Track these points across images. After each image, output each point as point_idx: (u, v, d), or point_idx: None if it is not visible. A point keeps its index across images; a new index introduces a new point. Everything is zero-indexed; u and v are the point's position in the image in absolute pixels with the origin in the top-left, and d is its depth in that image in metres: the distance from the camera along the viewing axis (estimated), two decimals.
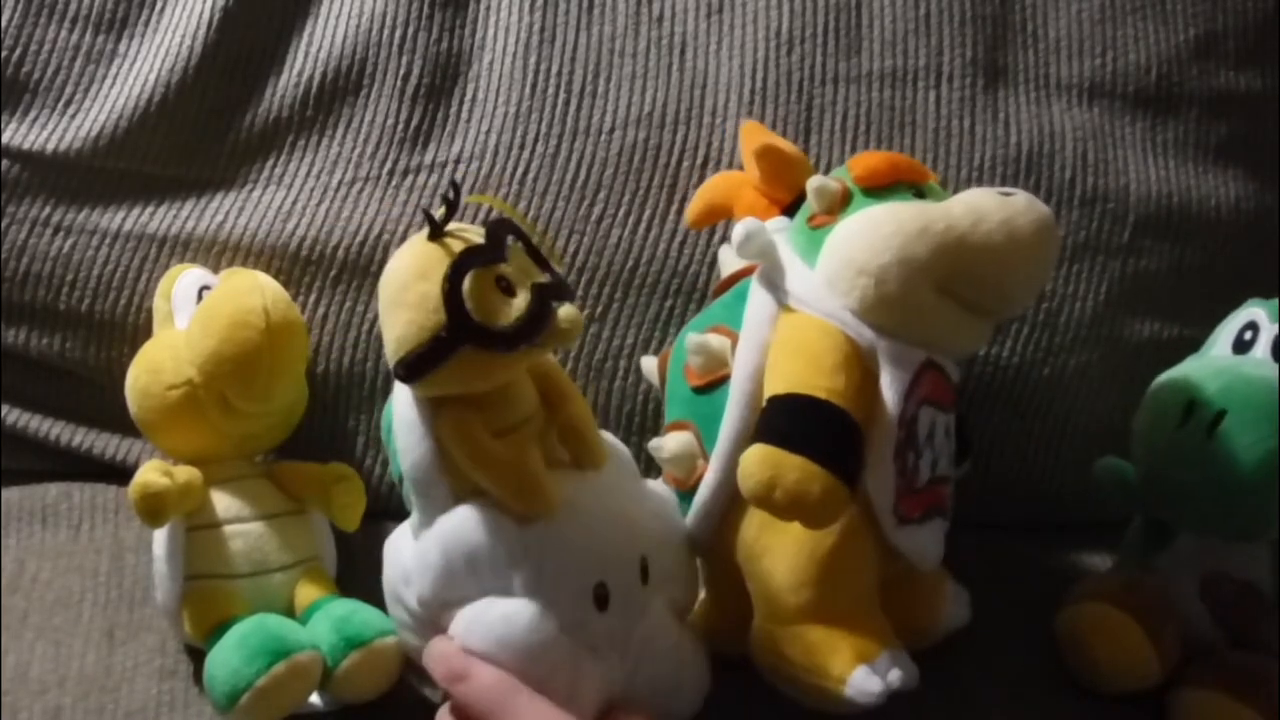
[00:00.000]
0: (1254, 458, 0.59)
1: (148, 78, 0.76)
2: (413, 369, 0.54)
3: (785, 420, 0.56)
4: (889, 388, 0.58)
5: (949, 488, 0.62)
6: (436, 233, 0.55)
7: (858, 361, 0.58)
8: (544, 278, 0.55)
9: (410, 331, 0.54)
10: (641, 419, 0.73)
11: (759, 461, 0.54)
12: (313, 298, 0.74)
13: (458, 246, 0.54)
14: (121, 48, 0.77)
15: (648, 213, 0.75)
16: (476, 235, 0.55)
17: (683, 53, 0.77)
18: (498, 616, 0.54)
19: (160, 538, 0.64)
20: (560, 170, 0.75)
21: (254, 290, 0.65)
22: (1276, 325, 0.65)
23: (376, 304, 0.73)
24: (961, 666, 0.63)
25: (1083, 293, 0.75)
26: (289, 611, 0.64)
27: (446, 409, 0.56)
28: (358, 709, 0.62)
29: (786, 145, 0.69)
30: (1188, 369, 0.64)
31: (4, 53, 0.76)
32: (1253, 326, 0.66)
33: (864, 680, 0.55)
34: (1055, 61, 0.79)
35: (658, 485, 0.63)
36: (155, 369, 0.67)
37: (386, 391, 0.74)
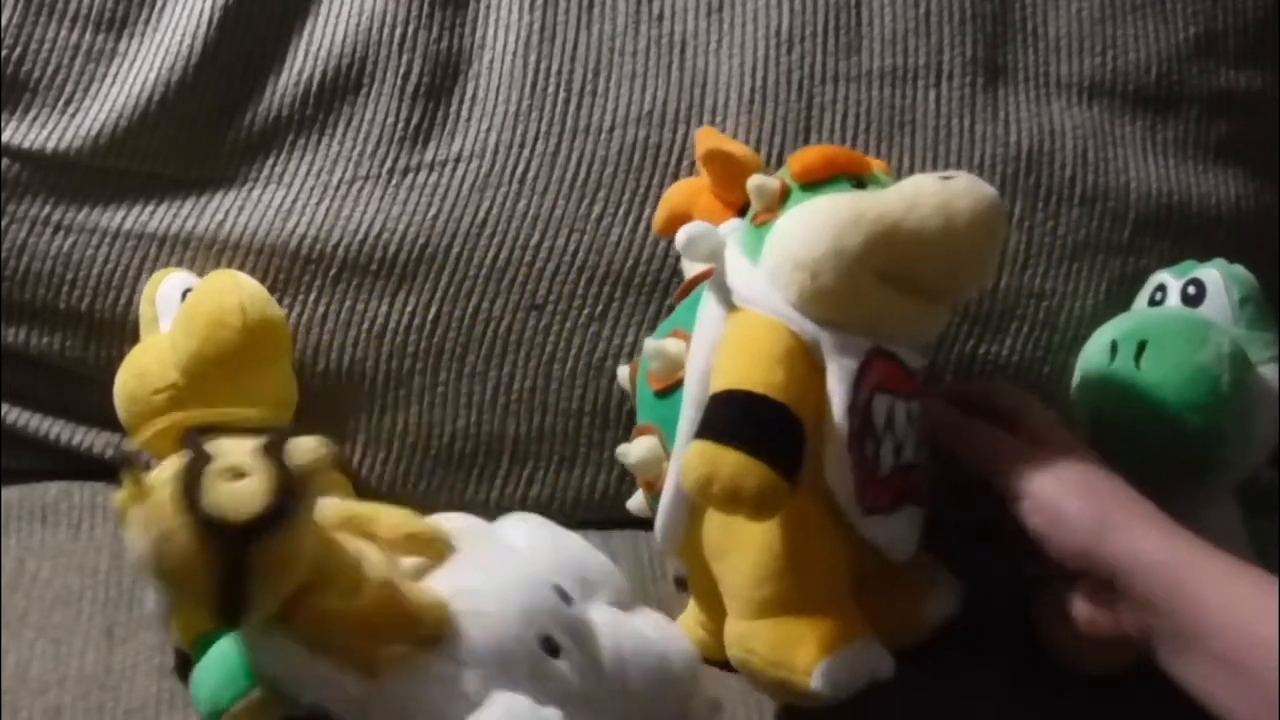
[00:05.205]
0: (1183, 376, 0.64)
1: (148, 77, 0.76)
2: (233, 606, 0.50)
3: (721, 416, 0.56)
4: (835, 378, 0.58)
5: (921, 475, 0.62)
6: (139, 492, 0.50)
7: (802, 355, 0.58)
8: (256, 441, 0.51)
9: (201, 583, 0.49)
10: None
11: (696, 457, 0.54)
12: (313, 296, 0.74)
13: (164, 484, 0.49)
14: (122, 46, 0.77)
15: (648, 211, 0.75)
16: (171, 463, 0.51)
17: (683, 51, 0.77)
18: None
19: None
20: (560, 169, 0.75)
21: (231, 289, 0.65)
22: (1181, 280, 0.70)
23: (377, 301, 0.74)
24: (954, 659, 0.63)
25: (1083, 291, 0.75)
26: None
27: (296, 616, 0.52)
28: None
29: (736, 148, 0.69)
30: (1107, 324, 0.70)
31: (4, 52, 0.76)
32: (1161, 289, 0.71)
33: (830, 672, 0.55)
34: (1055, 60, 0.79)
35: (503, 521, 0.62)
36: (141, 373, 0.67)
37: (387, 390, 0.74)
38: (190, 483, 0.49)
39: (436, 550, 0.57)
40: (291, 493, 0.50)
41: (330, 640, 0.52)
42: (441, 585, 0.55)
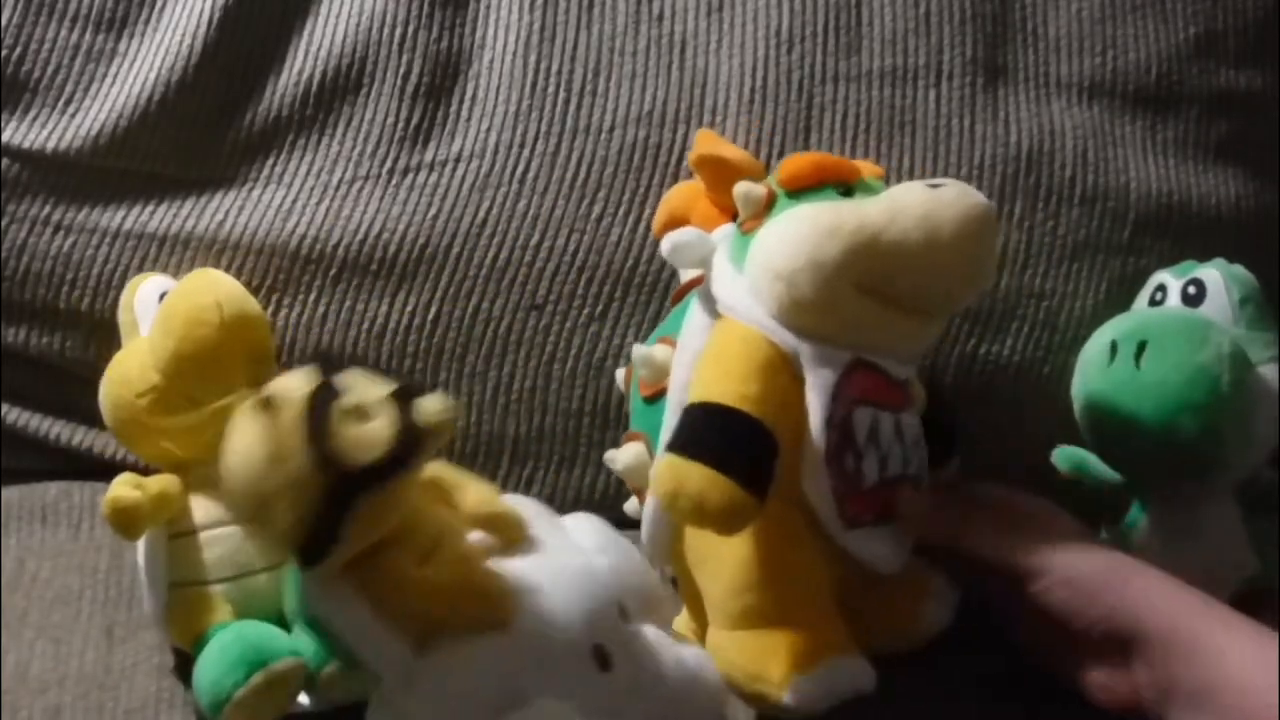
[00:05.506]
0: (1183, 376, 0.64)
1: (148, 76, 0.76)
2: (319, 547, 0.49)
3: (691, 429, 0.55)
4: (813, 390, 0.57)
5: (910, 486, 0.61)
6: (266, 403, 0.50)
7: (781, 367, 0.57)
8: (387, 386, 0.51)
9: (296, 514, 0.49)
10: None
11: (665, 471, 0.54)
12: (313, 296, 0.74)
13: (290, 405, 0.49)
14: (122, 46, 0.77)
15: (648, 211, 0.75)
16: (299, 382, 0.51)
17: (683, 51, 0.77)
18: None
19: (140, 548, 0.64)
20: (560, 169, 0.75)
21: (207, 288, 0.65)
22: (1181, 280, 0.70)
23: (377, 301, 0.74)
24: (948, 659, 0.63)
25: (1083, 291, 0.75)
26: (278, 612, 0.64)
27: (365, 569, 0.51)
28: (351, 708, 0.61)
29: (731, 152, 0.69)
30: (1106, 324, 0.70)
31: (4, 52, 0.76)
32: (1161, 289, 0.71)
33: (804, 686, 0.55)
34: (1055, 60, 0.79)
35: (574, 520, 0.61)
36: (123, 379, 0.67)
37: None
38: (317, 412, 0.48)
39: (514, 536, 0.56)
40: (411, 447, 0.49)
41: (393, 601, 0.51)
42: (511, 573, 0.54)
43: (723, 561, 0.58)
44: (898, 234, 0.57)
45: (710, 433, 0.55)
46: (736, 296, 0.59)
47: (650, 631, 0.58)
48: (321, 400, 0.49)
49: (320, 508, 0.49)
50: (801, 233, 0.58)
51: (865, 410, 0.58)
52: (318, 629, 0.54)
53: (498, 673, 0.52)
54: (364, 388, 0.51)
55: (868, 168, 0.64)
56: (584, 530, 0.60)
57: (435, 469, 0.57)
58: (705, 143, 0.71)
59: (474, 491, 0.57)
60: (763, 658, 0.56)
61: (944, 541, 0.61)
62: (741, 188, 0.61)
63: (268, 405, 0.49)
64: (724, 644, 0.57)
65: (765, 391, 0.56)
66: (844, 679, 0.56)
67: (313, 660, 0.60)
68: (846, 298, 0.57)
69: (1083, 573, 0.57)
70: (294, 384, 0.50)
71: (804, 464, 0.57)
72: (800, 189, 0.60)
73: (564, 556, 0.57)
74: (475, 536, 0.56)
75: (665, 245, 0.61)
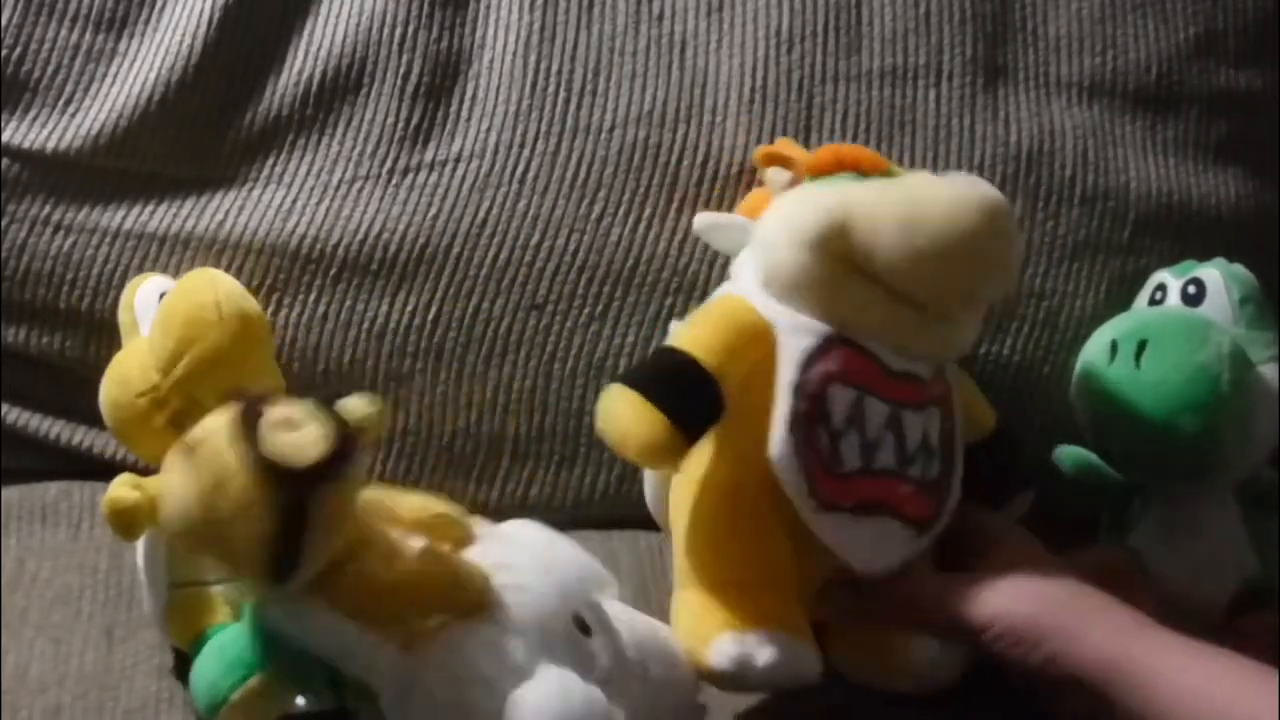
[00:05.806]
0: (1183, 376, 0.64)
1: (148, 76, 0.76)
2: (286, 560, 0.49)
3: (640, 365, 0.58)
4: (782, 356, 0.57)
5: (910, 488, 0.59)
6: (192, 442, 0.50)
7: (760, 333, 0.57)
8: (307, 400, 0.51)
9: (253, 534, 0.48)
10: None
11: (605, 398, 0.55)
12: (313, 296, 0.74)
13: (218, 433, 0.49)
14: (122, 46, 0.77)
15: (648, 211, 0.75)
16: (221, 414, 0.50)
17: (683, 51, 0.77)
18: (553, 692, 0.52)
19: (140, 548, 0.64)
20: (560, 168, 0.75)
21: (206, 287, 0.65)
22: (1181, 279, 0.70)
23: (377, 301, 0.74)
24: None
25: (1083, 290, 0.75)
26: None
27: (333, 583, 0.51)
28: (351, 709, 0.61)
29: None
30: (1107, 324, 0.70)
31: (4, 51, 0.76)
32: (1161, 288, 0.72)
33: (729, 648, 0.54)
34: (1055, 60, 0.79)
35: (513, 524, 0.62)
36: (123, 379, 0.66)
37: (387, 390, 0.74)
38: (248, 430, 0.48)
39: (460, 534, 0.57)
40: (348, 444, 0.49)
41: (373, 609, 0.51)
42: (477, 560, 0.55)
43: (682, 519, 0.58)
44: (875, 209, 0.57)
45: (650, 367, 0.57)
46: (743, 268, 0.61)
47: (612, 603, 0.58)
48: (249, 418, 0.49)
49: (277, 518, 0.48)
50: (792, 204, 0.59)
51: (846, 390, 0.57)
52: (295, 663, 0.53)
53: (493, 652, 0.52)
54: (283, 404, 0.51)
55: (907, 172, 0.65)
56: (528, 528, 0.61)
57: (369, 491, 0.57)
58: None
59: (407, 501, 0.57)
60: (698, 618, 0.56)
61: (893, 625, 0.60)
62: (771, 172, 0.63)
63: (195, 442, 0.49)
64: (675, 603, 0.58)
65: (729, 346, 0.56)
66: (780, 655, 0.54)
67: None
68: (828, 271, 0.57)
69: (1023, 619, 0.55)
70: (215, 418, 0.50)
71: (771, 430, 0.56)
72: (820, 174, 0.62)
73: (515, 540, 0.58)
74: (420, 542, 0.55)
75: (698, 222, 0.63)
